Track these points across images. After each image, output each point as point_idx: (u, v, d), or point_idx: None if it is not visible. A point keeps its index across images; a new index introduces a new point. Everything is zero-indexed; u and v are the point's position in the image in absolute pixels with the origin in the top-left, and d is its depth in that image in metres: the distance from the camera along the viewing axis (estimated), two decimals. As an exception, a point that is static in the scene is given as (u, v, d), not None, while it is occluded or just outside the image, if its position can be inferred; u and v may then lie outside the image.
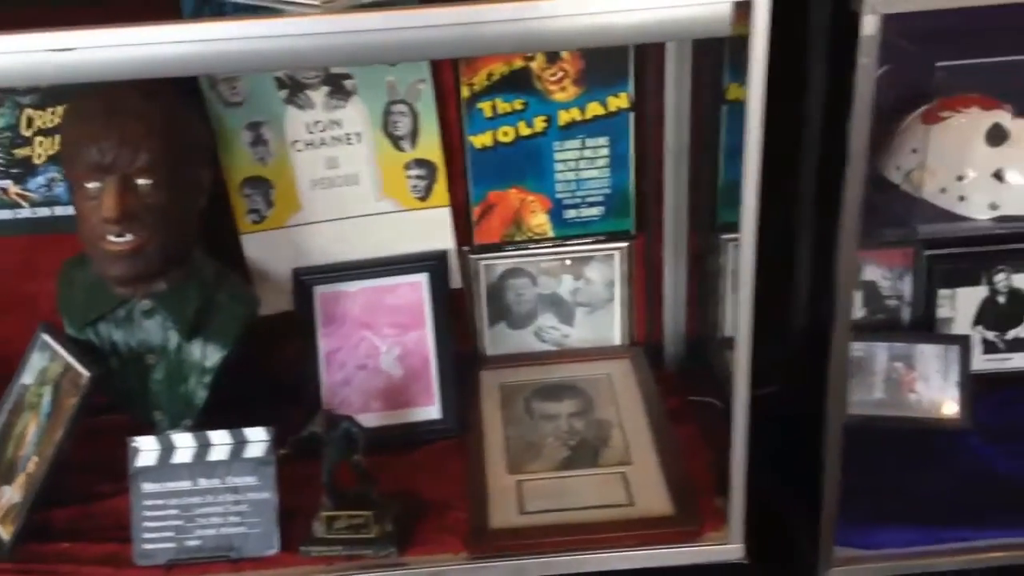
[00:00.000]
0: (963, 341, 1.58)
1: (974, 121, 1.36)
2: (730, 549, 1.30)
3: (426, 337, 1.60)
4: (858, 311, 1.66)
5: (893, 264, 1.64)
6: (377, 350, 1.60)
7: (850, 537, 1.34)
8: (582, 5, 0.99)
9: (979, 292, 1.64)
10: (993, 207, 1.37)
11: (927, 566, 1.31)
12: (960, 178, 1.38)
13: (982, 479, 1.44)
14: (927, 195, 1.41)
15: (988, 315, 1.65)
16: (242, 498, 1.32)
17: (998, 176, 1.35)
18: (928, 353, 1.58)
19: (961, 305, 1.64)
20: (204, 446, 1.33)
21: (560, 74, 1.51)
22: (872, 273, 1.64)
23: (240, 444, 1.33)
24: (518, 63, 1.49)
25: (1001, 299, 1.64)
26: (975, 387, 1.63)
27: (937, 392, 1.57)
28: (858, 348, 1.60)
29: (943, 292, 1.64)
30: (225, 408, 1.48)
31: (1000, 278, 1.63)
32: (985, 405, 1.60)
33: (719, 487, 1.36)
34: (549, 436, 1.54)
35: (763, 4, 0.98)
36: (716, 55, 1.51)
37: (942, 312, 1.65)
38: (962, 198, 1.38)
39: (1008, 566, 1.31)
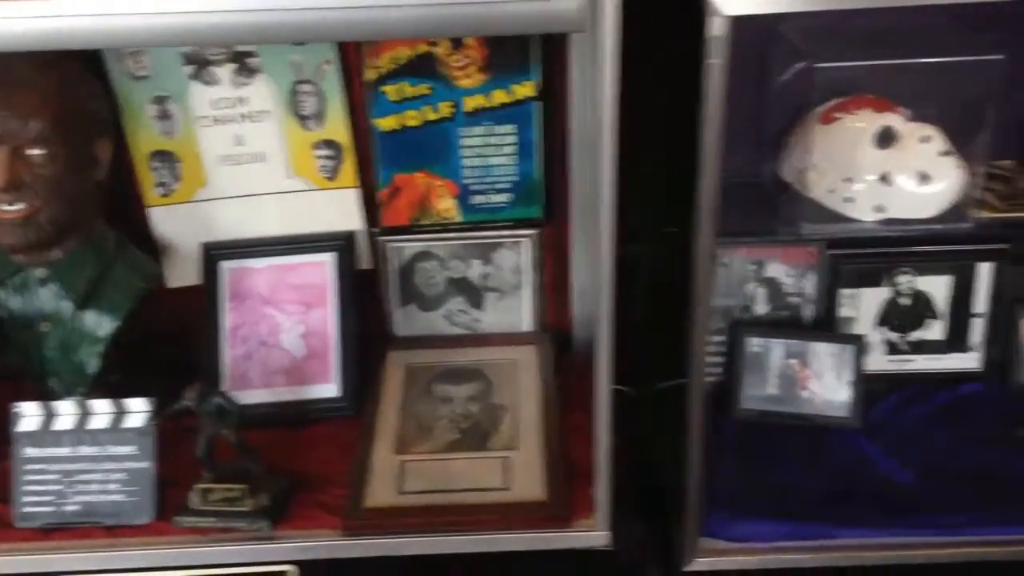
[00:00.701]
0: (857, 341, 1.59)
1: (864, 123, 1.37)
2: (596, 536, 1.32)
3: (329, 316, 1.62)
4: (761, 307, 1.67)
5: (797, 262, 1.64)
6: (280, 327, 1.62)
7: (718, 529, 1.36)
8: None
9: (881, 293, 1.64)
10: (879, 210, 1.38)
11: (788, 561, 1.33)
12: (848, 180, 1.38)
13: (860, 479, 1.45)
14: (816, 196, 1.42)
15: (891, 316, 1.66)
16: (121, 467, 1.35)
17: (885, 179, 1.36)
18: (823, 352, 1.60)
19: (863, 305, 1.65)
20: (85, 414, 1.35)
21: (465, 61, 1.52)
22: (775, 270, 1.65)
23: (121, 414, 1.35)
24: (422, 48, 1.50)
25: (904, 301, 1.65)
26: (879, 387, 1.65)
27: (830, 390, 1.58)
28: (755, 344, 1.62)
29: (845, 292, 1.64)
30: (131, 378, 1.52)
31: (903, 280, 1.64)
32: (882, 405, 1.62)
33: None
34: (443, 418, 1.56)
35: (613, 2, 0.99)
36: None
37: (844, 312, 1.65)
38: (849, 200, 1.39)
39: (869, 566, 1.33)
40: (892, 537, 1.34)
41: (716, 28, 0.99)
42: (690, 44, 1.09)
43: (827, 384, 1.59)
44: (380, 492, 1.40)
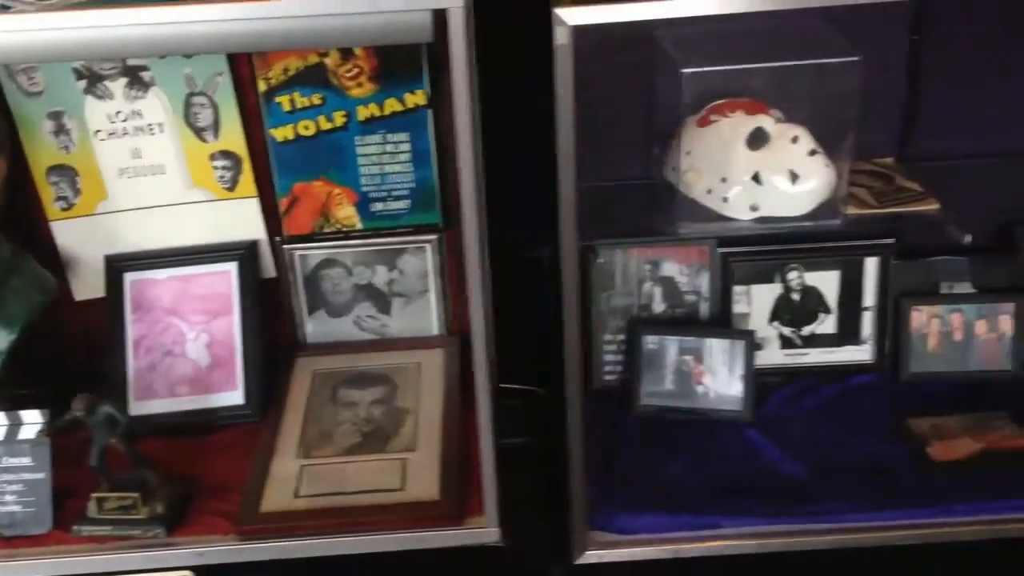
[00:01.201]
0: (748, 336, 1.64)
1: (737, 125, 1.41)
2: (487, 533, 1.36)
3: (234, 325, 1.65)
4: (659, 306, 1.72)
5: (690, 260, 1.69)
6: (184, 337, 1.64)
7: (608, 522, 1.40)
8: (284, 9, 1.03)
9: (774, 289, 1.69)
10: (754, 208, 1.42)
11: (676, 551, 1.37)
12: (724, 180, 1.43)
13: (749, 470, 1.49)
14: (696, 196, 1.46)
15: (783, 312, 1.71)
16: (17, 478, 1.36)
17: (757, 179, 1.40)
18: (716, 348, 1.64)
19: (756, 302, 1.70)
20: (-21, 427, 1.37)
21: (355, 71, 1.55)
22: (670, 269, 1.70)
23: (15, 426, 1.37)
24: (313, 58, 1.53)
25: (795, 296, 1.70)
26: (774, 381, 1.70)
27: (723, 385, 1.63)
28: (651, 341, 1.66)
29: (738, 289, 1.69)
30: (40, 390, 1.53)
31: (793, 276, 1.69)
32: (776, 398, 1.67)
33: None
34: (346, 423, 1.59)
35: (459, 13, 1.02)
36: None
37: (738, 308, 1.70)
38: (725, 199, 1.43)
39: (754, 555, 1.37)
40: (776, 526, 1.38)
41: (561, 37, 1.03)
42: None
43: (720, 379, 1.63)
44: (276, 497, 1.42)
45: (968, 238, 1.39)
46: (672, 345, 1.66)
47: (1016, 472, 1.43)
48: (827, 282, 1.69)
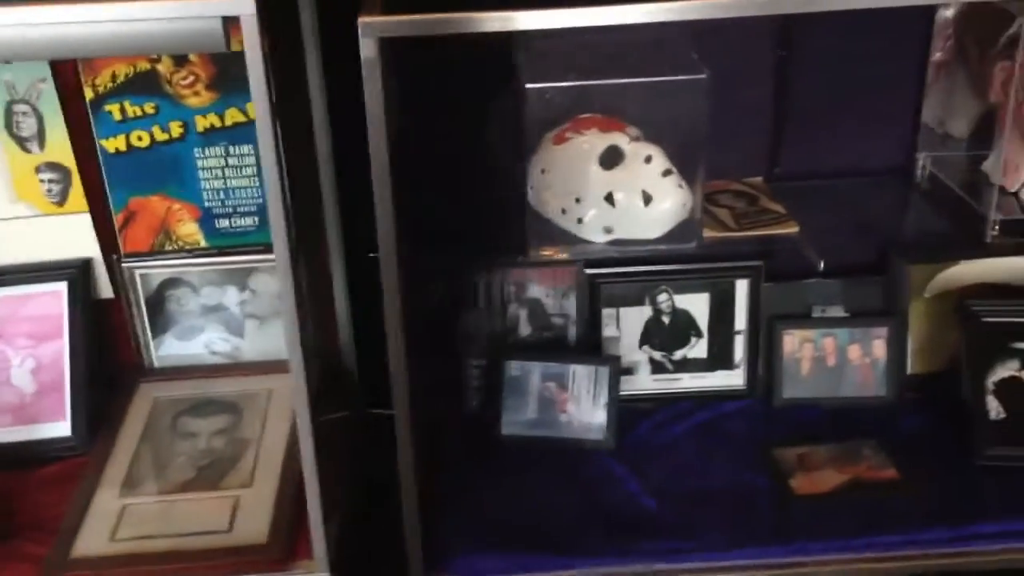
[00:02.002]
0: (613, 362, 1.57)
1: (591, 143, 1.34)
2: (315, 579, 1.27)
3: (64, 349, 1.53)
4: (525, 329, 1.64)
5: (556, 283, 1.62)
6: (9, 362, 1.52)
7: (447, 564, 1.31)
8: (59, 15, 0.93)
9: (644, 312, 1.64)
10: (608, 231, 1.36)
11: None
12: (577, 200, 1.36)
13: (606, 504, 1.41)
14: (551, 216, 1.39)
15: (654, 335, 1.64)
16: None
17: (610, 200, 1.34)
18: (580, 373, 1.57)
19: (626, 325, 1.64)
20: None
21: (191, 78, 1.44)
22: (536, 291, 1.62)
23: None
24: (143, 64, 1.42)
25: (666, 319, 1.64)
26: (645, 407, 1.64)
27: (586, 413, 1.56)
28: (514, 368, 1.58)
29: (607, 311, 1.62)
30: None
31: (663, 298, 1.63)
32: (645, 425, 1.60)
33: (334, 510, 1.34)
34: (182, 455, 1.48)
35: (251, 21, 0.93)
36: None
37: (608, 331, 1.64)
38: (580, 220, 1.36)
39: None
40: (623, 566, 1.31)
41: (367, 50, 0.95)
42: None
43: (584, 407, 1.56)
44: (91, 540, 1.31)
45: (821, 265, 1.35)
46: (535, 371, 1.57)
47: (877, 507, 1.38)
48: (697, 304, 1.62)
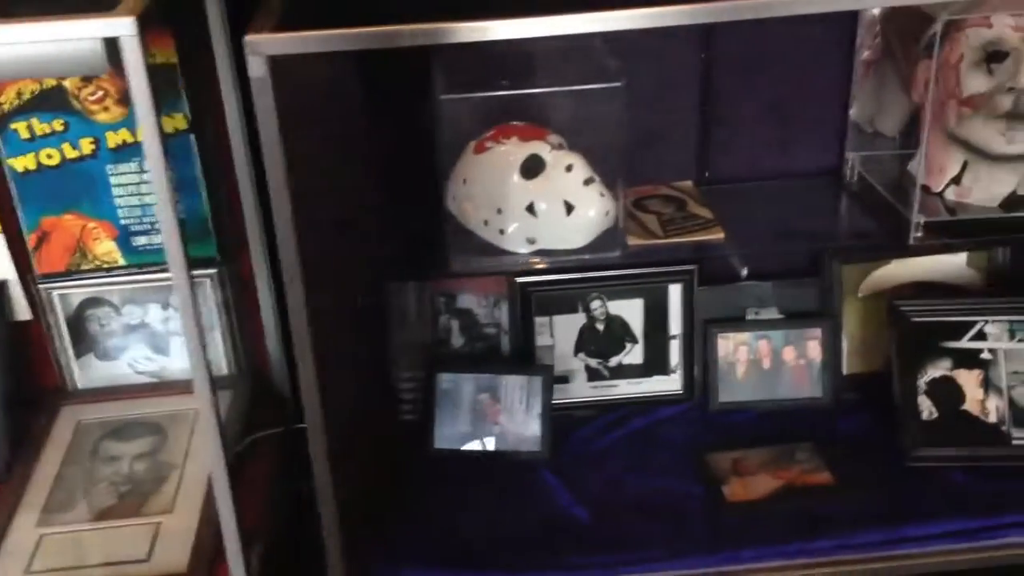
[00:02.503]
0: (546, 372, 1.55)
1: (512, 153, 1.31)
2: (236, 609, 1.23)
3: (-23, 375, 1.49)
4: (457, 340, 1.62)
5: (488, 292, 1.59)
6: (-80, 390, 1.48)
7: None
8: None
9: (577, 319, 1.61)
10: (531, 242, 1.33)
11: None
12: (499, 211, 1.33)
13: (537, 517, 1.39)
14: (473, 227, 1.36)
15: (589, 342, 1.62)
16: None
17: (531, 210, 1.31)
18: (512, 384, 1.54)
19: (560, 333, 1.62)
20: None
21: (100, 93, 1.39)
22: (468, 301, 1.60)
23: None
24: (49, 81, 1.37)
25: (600, 326, 1.62)
26: (582, 414, 1.62)
27: (520, 424, 1.53)
28: (446, 380, 1.55)
29: (540, 320, 1.60)
30: None
31: (596, 305, 1.61)
32: (582, 434, 1.58)
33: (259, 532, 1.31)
34: (104, 481, 1.43)
35: (132, 42, 0.90)
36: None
37: (542, 340, 1.61)
38: (502, 232, 1.33)
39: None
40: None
41: (255, 69, 0.91)
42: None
43: (517, 418, 1.54)
44: (6, 573, 1.28)
45: (744, 271, 1.33)
46: (467, 383, 1.55)
47: (811, 512, 1.37)
48: (631, 311, 1.61)
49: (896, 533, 1.32)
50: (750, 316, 1.62)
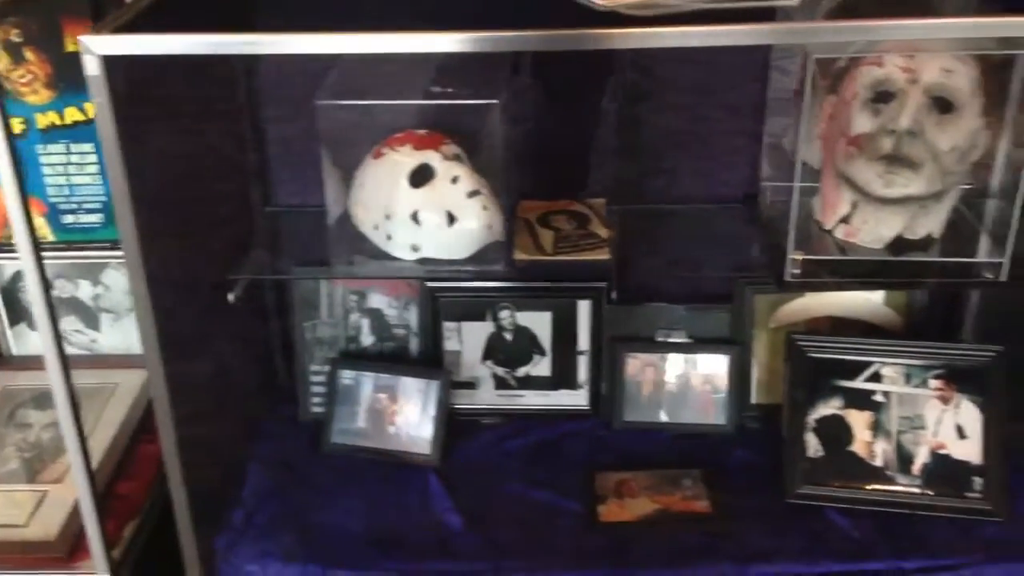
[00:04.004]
0: (444, 376, 1.57)
1: (403, 160, 1.33)
2: (94, 578, 1.29)
3: (-95, 337, 1.57)
4: (367, 339, 1.65)
5: (398, 293, 1.62)
6: None
7: (222, 570, 1.34)
8: None
9: (486, 327, 1.63)
10: (415, 249, 1.35)
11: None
12: (388, 217, 1.35)
13: (410, 520, 1.41)
14: (366, 231, 1.38)
15: (496, 351, 1.63)
16: None
17: (415, 218, 1.33)
18: (410, 386, 1.57)
19: (468, 339, 1.63)
20: None
21: (29, 76, 1.46)
22: (378, 301, 1.62)
23: None
24: (-19, 63, 1.45)
25: (508, 336, 1.63)
26: (491, 422, 1.63)
27: (414, 426, 1.56)
28: (347, 376, 1.59)
29: (448, 325, 1.62)
30: None
31: (505, 315, 1.62)
32: (481, 440, 1.60)
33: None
34: (11, 446, 1.50)
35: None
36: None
37: (450, 345, 1.63)
38: (390, 237, 1.36)
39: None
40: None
41: (91, 68, 0.95)
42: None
43: (412, 419, 1.56)
44: None
45: (614, 294, 1.33)
46: (368, 381, 1.58)
47: (677, 539, 1.36)
48: (540, 323, 1.61)
49: (749, 570, 1.31)
50: (660, 338, 1.62)
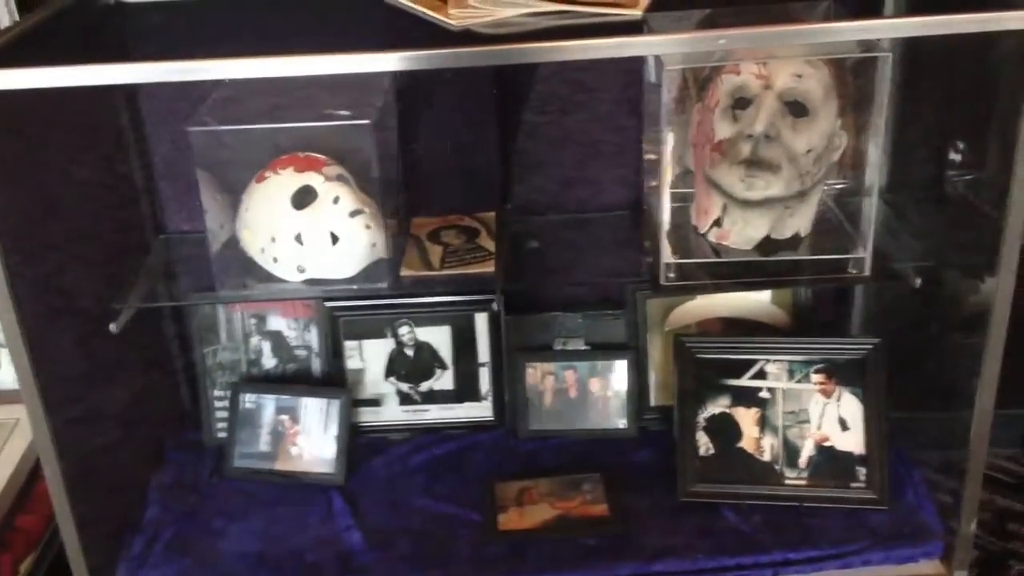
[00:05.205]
0: (345, 395, 1.58)
1: (285, 183, 1.34)
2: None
3: None
4: (269, 361, 1.65)
5: (297, 314, 1.63)
6: None
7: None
8: None
9: (387, 344, 1.64)
10: (300, 270, 1.36)
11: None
12: (273, 239, 1.36)
13: (310, 541, 1.42)
14: (253, 254, 1.39)
15: (399, 367, 1.65)
16: None
17: (299, 240, 1.34)
18: (311, 407, 1.58)
19: (370, 357, 1.65)
20: None
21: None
22: (278, 324, 1.63)
23: None
24: None
25: (409, 351, 1.65)
26: (396, 438, 1.64)
27: (317, 447, 1.57)
28: (249, 400, 1.59)
29: (350, 344, 1.63)
30: None
31: (405, 331, 1.64)
32: (385, 457, 1.61)
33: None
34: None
35: None
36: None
37: (352, 363, 1.65)
38: (275, 260, 1.37)
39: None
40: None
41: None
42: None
43: (315, 440, 1.57)
44: None
45: (495, 306, 1.36)
46: (269, 404, 1.58)
47: (575, 543, 1.39)
48: (440, 337, 1.63)
49: (643, 570, 1.34)
50: (557, 346, 1.65)
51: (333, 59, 1.05)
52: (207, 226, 1.36)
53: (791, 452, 1.45)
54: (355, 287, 1.35)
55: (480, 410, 1.67)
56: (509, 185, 1.57)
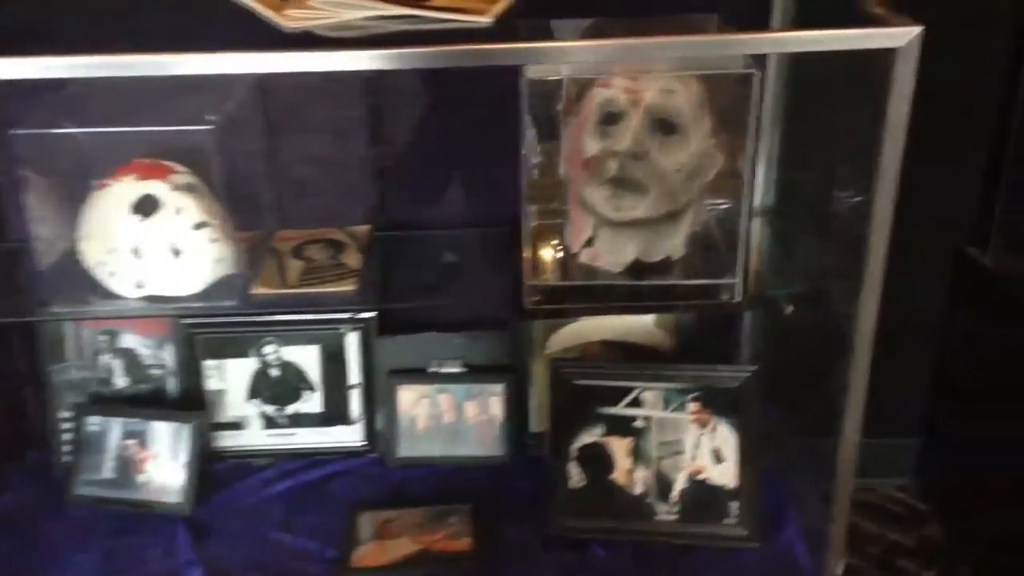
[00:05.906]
0: (197, 419, 1.47)
1: (125, 192, 1.24)
2: None
3: None
4: (121, 380, 1.54)
5: (150, 332, 1.52)
6: None
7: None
8: None
9: (250, 364, 1.54)
10: (139, 286, 1.26)
11: None
12: (111, 252, 1.26)
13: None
14: (91, 268, 1.29)
15: (262, 388, 1.55)
16: None
17: (136, 253, 1.24)
18: (162, 431, 1.47)
19: (232, 377, 1.54)
20: None
21: None
22: (130, 341, 1.52)
23: None
24: None
25: (274, 372, 1.55)
26: (261, 463, 1.54)
27: (165, 474, 1.46)
28: (94, 423, 1.48)
29: (209, 363, 1.53)
30: None
31: (269, 350, 1.54)
32: (246, 485, 1.50)
33: None
34: None
35: None
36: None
37: (212, 384, 1.54)
38: (113, 274, 1.26)
39: None
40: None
41: None
42: None
43: (164, 466, 1.46)
44: None
45: (345, 328, 1.28)
46: (116, 427, 1.47)
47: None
48: (307, 357, 1.54)
49: (501, 609, 1.27)
50: (433, 368, 1.57)
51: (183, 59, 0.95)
52: (37, 235, 1.25)
53: (663, 485, 1.38)
54: (199, 305, 1.26)
55: (350, 434, 1.57)
56: (385, 198, 1.49)
